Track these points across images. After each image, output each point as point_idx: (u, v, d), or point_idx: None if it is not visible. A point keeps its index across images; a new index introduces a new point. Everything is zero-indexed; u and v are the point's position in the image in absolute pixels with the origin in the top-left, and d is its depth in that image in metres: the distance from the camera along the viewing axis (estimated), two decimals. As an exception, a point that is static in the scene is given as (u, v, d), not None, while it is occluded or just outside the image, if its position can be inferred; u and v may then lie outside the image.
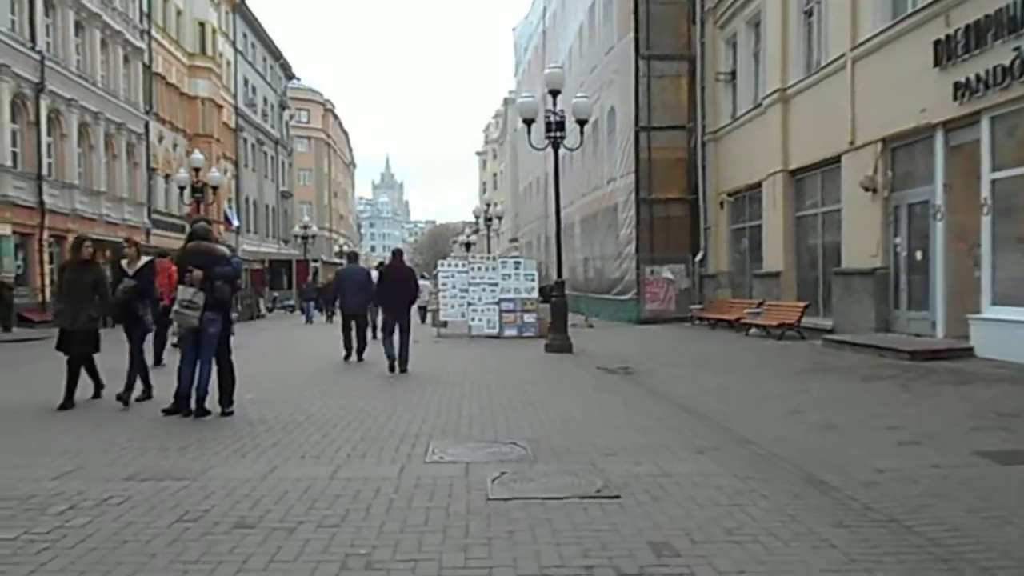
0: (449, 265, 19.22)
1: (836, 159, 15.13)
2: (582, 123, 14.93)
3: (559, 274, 15.71)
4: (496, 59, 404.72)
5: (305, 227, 41.24)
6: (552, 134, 14.73)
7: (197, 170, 22.74)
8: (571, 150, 16.35)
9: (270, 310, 38.06)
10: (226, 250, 8.51)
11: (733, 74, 21.02)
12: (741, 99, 20.35)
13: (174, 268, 9.49)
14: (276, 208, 58.05)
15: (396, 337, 11.56)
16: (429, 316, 21.38)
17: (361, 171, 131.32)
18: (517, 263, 19.45)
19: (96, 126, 29.93)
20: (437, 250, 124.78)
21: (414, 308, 13.64)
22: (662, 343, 16.46)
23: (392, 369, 11.40)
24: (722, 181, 21.60)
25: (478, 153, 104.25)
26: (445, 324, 18.93)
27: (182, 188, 22.91)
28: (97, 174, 30.05)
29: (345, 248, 66.85)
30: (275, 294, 41.46)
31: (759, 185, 18.87)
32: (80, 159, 29.22)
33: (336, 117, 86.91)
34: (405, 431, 6.67)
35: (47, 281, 26.05)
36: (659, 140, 23.02)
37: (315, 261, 46.76)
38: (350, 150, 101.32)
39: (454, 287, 18.78)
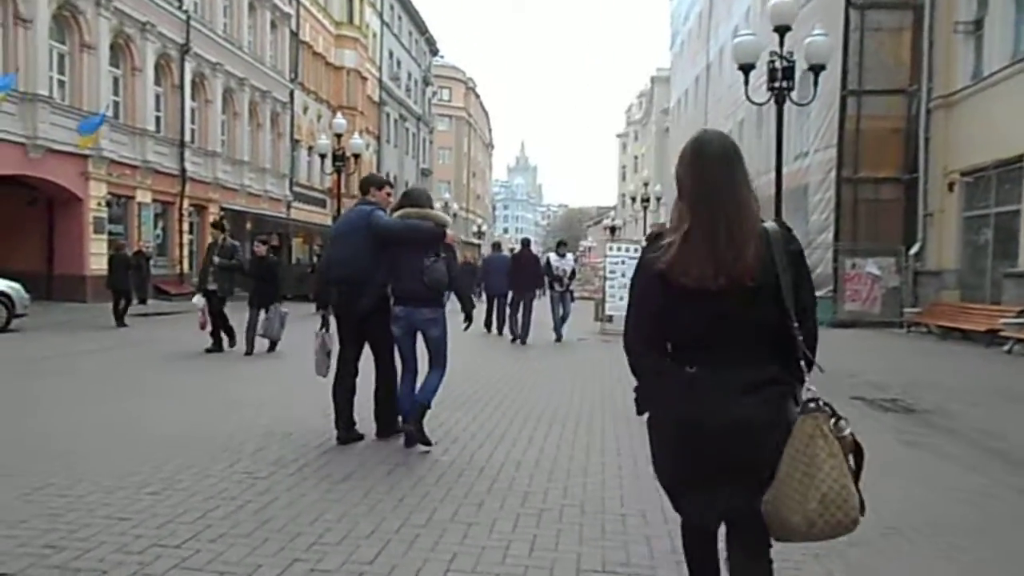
0: (618, 250, 16.30)
1: None
2: (817, 70, 11.56)
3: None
4: (635, 41, 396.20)
5: (445, 204, 39.34)
6: (778, 84, 11.45)
7: (339, 136, 20.86)
8: (800, 104, 12.96)
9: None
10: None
11: (978, 23, 16.90)
12: (991, 54, 16.24)
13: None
14: (416, 185, 56.82)
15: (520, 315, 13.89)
16: (593, 307, 18.74)
17: (496, 153, 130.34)
18: (700, 249, 16.31)
19: (241, 93, 28.93)
20: (571, 233, 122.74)
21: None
22: (898, 357, 12.90)
23: (514, 341, 13.74)
24: (954, 157, 17.54)
25: (618, 135, 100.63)
26: (611, 319, 16.08)
27: (323, 156, 21.10)
28: (240, 143, 29.10)
29: (483, 228, 65.50)
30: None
31: (1019, 160, 14.87)
32: (224, 127, 28.32)
33: (477, 96, 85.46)
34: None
35: (185, 252, 25.15)
36: (871, 107, 19.17)
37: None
38: (489, 131, 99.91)
39: (623, 275, 15.87)
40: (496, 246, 18.68)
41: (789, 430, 2.13)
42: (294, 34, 33.47)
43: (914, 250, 18.57)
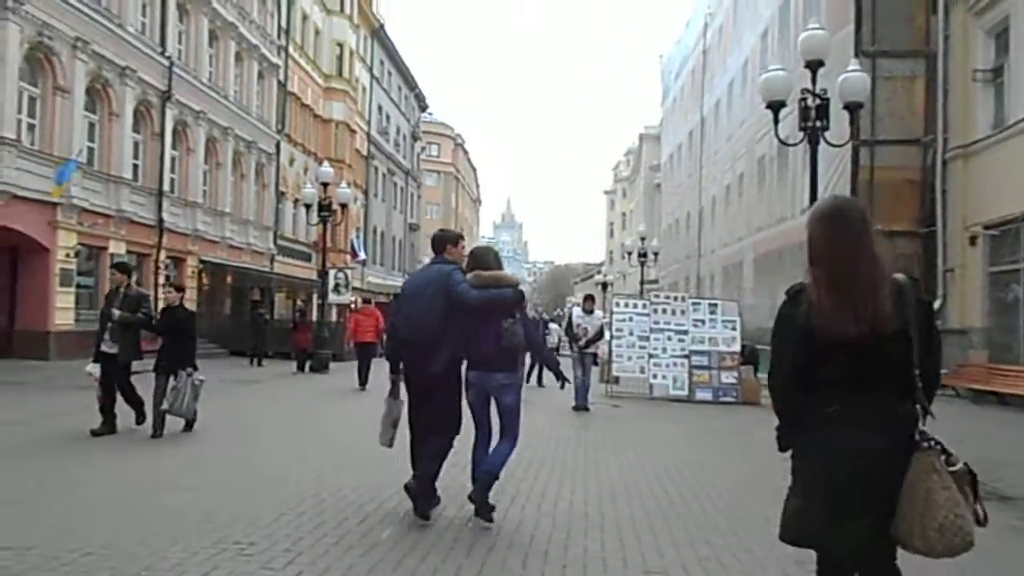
0: (626, 306, 15.11)
1: None
2: (854, 108, 10.59)
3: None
4: (622, 99, 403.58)
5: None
6: (811, 122, 10.48)
7: (325, 185, 19.83)
8: (835, 146, 11.97)
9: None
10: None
11: (998, 71, 16.21)
12: (1015, 101, 15.49)
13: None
14: (403, 241, 55.95)
15: None
16: (598, 369, 17.41)
17: (482, 209, 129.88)
18: (713, 306, 15.17)
19: (225, 142, 27.94)
20: (557, 291, 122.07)
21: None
22: (941, 427, 11.66)
23: None
24: (975, 209, 16.66)
25: (606, 192, 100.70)
26: (617, 380, 14.85)
27: (308, 206, 20.05)
28: (223, 194, 27.99)
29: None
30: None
31: (1051, 212, 13.98)
32: (206, 177, 27.26)
33: (465, 152, 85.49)
34: None
35: (159, 305, 23.71)
36: (884, 158, 18.33)
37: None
38: (477, 186, 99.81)
39: (631, 333, 14.69)
40: None
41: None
42: (282, 85, 32.72)
43: (935, 307, 17.53)
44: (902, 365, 2.47)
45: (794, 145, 11.55)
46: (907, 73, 18.29)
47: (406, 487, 5.00)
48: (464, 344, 5.05)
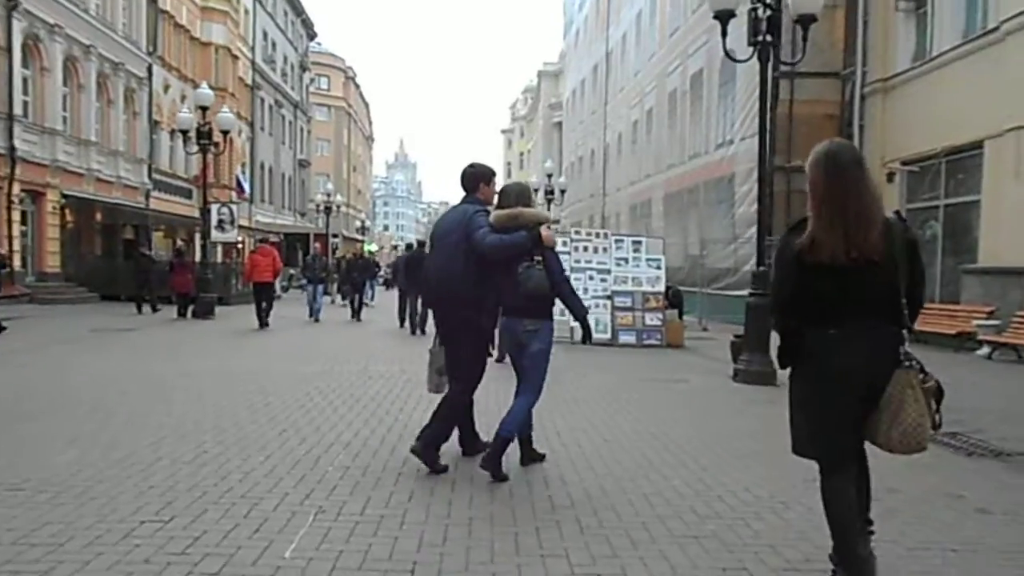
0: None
1: None
2: (807, 22, 9.63)
3: (759, 259, 10.44)
4: (517, 36, 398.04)
5: (328, 196, 36.05)
6: (762, 36, 9.48)
7: (204, 110, 17.64)
8: (789, 64, 11.09)
9: (285, 290, 33.12)
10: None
11: (920, 1, 15.77)
12: (940, 33, 15.09)
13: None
14: (293, 178, 52.96)
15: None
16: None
17: (375, 148, 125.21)
18: (637, 243, 14.23)
19: (87, 62, 24.85)
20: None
21: None
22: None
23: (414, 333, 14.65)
24: (893, 145, 16.37)
25: (503, 131, 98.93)
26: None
27: (185, 132, 17.80)
28: (87, 121, 25.02)
29: (366, 224, 62.22)
30: (291, 271, 36.55)
31: (974, 147, 13.70)
32: (66, 101, 24.21)
33: (357, 86, 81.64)
34: None
35: (17, 246, 21.04)
36: (804, 91, 17.85)
37: (335, 236, 41.85)
38: (370, 123, 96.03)
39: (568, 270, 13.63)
40: (420, 244, 17.57)
41: None
42: (152, 1, 29.42)
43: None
44: (890, 292, 2.82)
45: (744, 61, 10.51)
46: (828, 2, 17.63)
47: (412, 450, 4.72)
48: (495, 290, 4.69)
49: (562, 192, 30.32)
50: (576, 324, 5.04)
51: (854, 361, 2.80)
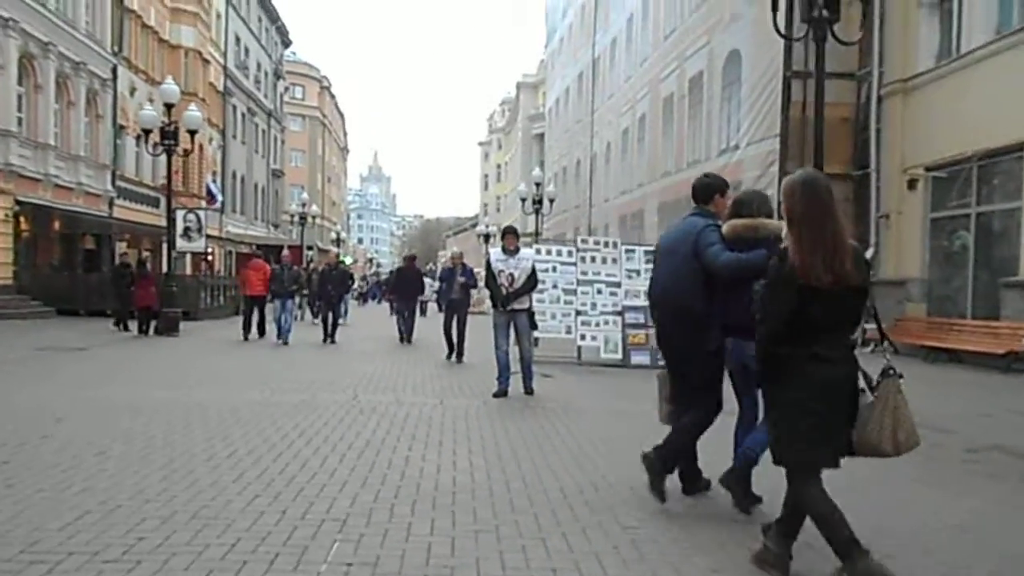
0: (548, 253, 12.60)
1: None
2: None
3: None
4: (493, 49, 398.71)
5: (303, 205, 34.47)
6: (818, 11, 8.28)
7: (170, 108, 16.12)
8: (842, 42, 9.92)
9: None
10: None
11: (945, -4, 14.78)
12: (970, 29, 14.05)
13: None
14: (266, 188, 51.25)
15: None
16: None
17: (349, 160, 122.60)
18: (650, 253, 12.93)
19: (45, 61, 23.20)
20: (428, 244, 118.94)
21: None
22: (968, 397, 9.97)
23: (401, 341, 15.95)
24: (914, 150, 15.31)
25: (480, 143, 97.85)
26: (537, 342, 12.30)
27: (147, 132, 16.27)
28: (44, 123, 23.34)
29: (341, 236, 60.52)
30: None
31: (1012, 150, 12.63)
32: (21, 101, 22.55)
33: (333, 96, 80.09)
34: None
35: (-38, 256, 19.29)
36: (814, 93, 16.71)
37: (309, 248, 40.25)
38: (345, 134, 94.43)
39: (555, 286, 12.28)
40: (412, 259, 18.98)
41: None
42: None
43: (867, 256, 16.21)
44: (857, 312, 3.24)
45: (799, 40, 9.31)
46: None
47: (643, 455, 4.44)
48: (722, 310, 4.27)
49: (551, 201, 29.03)
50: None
51: (836, 375, 3.15)
